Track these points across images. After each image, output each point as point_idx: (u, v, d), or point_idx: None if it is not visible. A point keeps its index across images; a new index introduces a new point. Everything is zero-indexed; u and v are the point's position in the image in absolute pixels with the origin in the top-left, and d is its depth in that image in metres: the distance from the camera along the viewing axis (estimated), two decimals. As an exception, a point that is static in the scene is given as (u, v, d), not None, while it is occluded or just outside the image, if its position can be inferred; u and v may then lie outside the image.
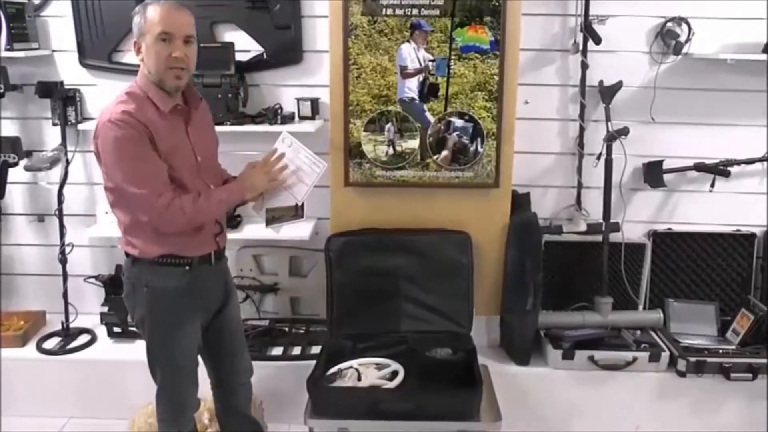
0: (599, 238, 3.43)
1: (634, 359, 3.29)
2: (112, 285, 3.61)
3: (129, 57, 3.48)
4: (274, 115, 3.32)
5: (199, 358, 2.68)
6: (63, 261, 3.50)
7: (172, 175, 2.38)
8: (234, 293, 2.81)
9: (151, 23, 2.31)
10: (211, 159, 2.64)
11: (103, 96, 3.38)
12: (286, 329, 3.61)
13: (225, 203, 2.51)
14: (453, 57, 3.14)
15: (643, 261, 3.57)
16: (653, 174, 3.55)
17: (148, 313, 2.50)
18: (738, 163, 3.51)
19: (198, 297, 2.56)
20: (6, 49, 3.27)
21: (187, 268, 2.49)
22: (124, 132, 2.27)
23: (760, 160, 3.52)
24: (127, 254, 2.51)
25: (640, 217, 3.66)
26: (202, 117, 2.59)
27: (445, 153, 3.26)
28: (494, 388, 3.05)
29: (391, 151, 3.26)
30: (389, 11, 3.10)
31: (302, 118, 3.41)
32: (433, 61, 3.15)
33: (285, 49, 3.43)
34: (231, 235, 2.72)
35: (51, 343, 3.55)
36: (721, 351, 3.35)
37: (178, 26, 2.35)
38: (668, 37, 3.38)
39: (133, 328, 3.51)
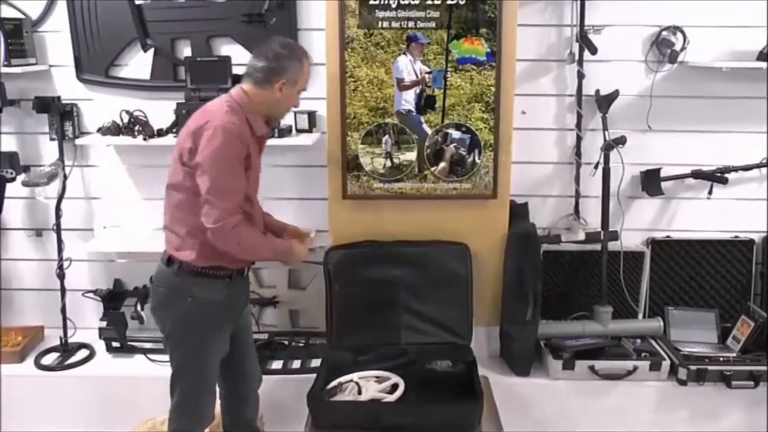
0: (598, 246, 3.43)
1: (635, 368, 3.28)
2: (110, 299, 3.61)
3: (126, 71, 3.49)
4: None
5: None
6: (61, 276, 3.48)
7: (246, 192, 2.52)
8: (248, 302, 2.90)
9: (303, 78, 2.59)
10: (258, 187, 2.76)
11: (101, 110, 3.43)
12: (286, 342, 3.59)
13: (271, 254, 2.61)
14: (449, 69, 3.15)
15: (642, 269, 3.57)
16: (651, 182, 3.56)
17: (187, 323, 2.54)
18: (735, 169, 3.52)
19: (231, 308, 2.66)
20: (4, 65, 3.26)
21: (228, 279, 2.58)
22: (233, 143, 2.41)
23: (758, 166, 3.53)
24: (169, 261, 2.54)
25: (638, 225, 3.66)
26: (264, 146, 2.74)
27: (442, 164, 3.27)
28: (495, 400, 3.06)
29: (388, 163, 3.27)
30: (385, 24, 3.11)
31: (299, 131, 3.41)
32: (429, 73, 3.16)
33: (282, 62, 3.43)
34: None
35: (49, 359, 3.53)
36: (722, 359, 3.34)
37: None
38: (663, 46, 3.40)
39: (132, 343, 3.51)
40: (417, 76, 3.17)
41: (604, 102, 3.41)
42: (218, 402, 2.83)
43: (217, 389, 2.79)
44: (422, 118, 3.21)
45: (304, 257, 2.71)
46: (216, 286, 2.55)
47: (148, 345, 3.52)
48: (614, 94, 3.39)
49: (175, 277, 2.54)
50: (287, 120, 3.39)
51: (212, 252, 2.47)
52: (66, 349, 3.57)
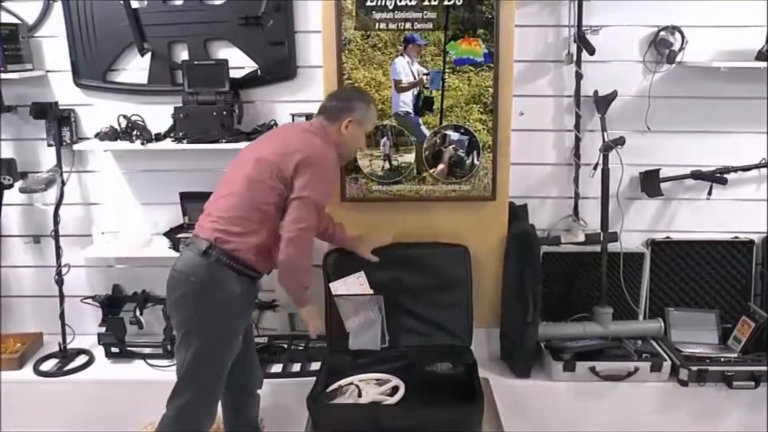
0: (598, 248, 3.42)
1: (636, 369, 3.27)
2: (109, 305, 3.61)
3: (123, 76, 3.49)
4: (269, 131, 3.32)
5: None
6: (59, 282, 3.47)
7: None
8: None
9: (371, 121, 2.91)
10: None
11: (98, 115, 3.42)
12: (285, 346, 3.58)
13: (305, 286, 2.78)
14: (447, 70, 3.15)
15: (642, 270, 3.56)
16: (650, 183, 3.55)
17: (216, 317, 2.58)
18: (735, 170, 3.52)
19: (249, 306, 2.83)
20: (0, 71, 3.26)
21: (253, 279, 2.69)
22: (335, 172, 2.81)
23: (757, 167, 3.53)
24: (205, 253, 2.56)
25: (638, 227, 3.66)
26: None
27: (441, 166, 3.26)
28: (496, 401, 3.04)
29: (387, 165, 3.26)
30: (382, 25, 3.11)
31: (297, 133, 3.40)
32: (427, 74, 3.16)
33: (279, 65, 3.43)
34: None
35: (48, 365, 3.52)
36: (722, 359, 3.33)
37: None
38: (661, 46, 3.40)
39: (131, 348, 3.50)
40: (414, 78, 3.17)
41: (603, 103, 3.41)
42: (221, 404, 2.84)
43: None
44: (420, 120, 3.21)
45: (310, 322, 2.86)
46: (243, 283, 2.63)
47: (147, 350, 3.51)
48: (612, 95, 3.39)
49: (209, 267, 2.56)
50: (285, 123, 3.40)
51: (264, 253, 2.63)
52: (65, 355, 3.55)
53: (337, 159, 2.77)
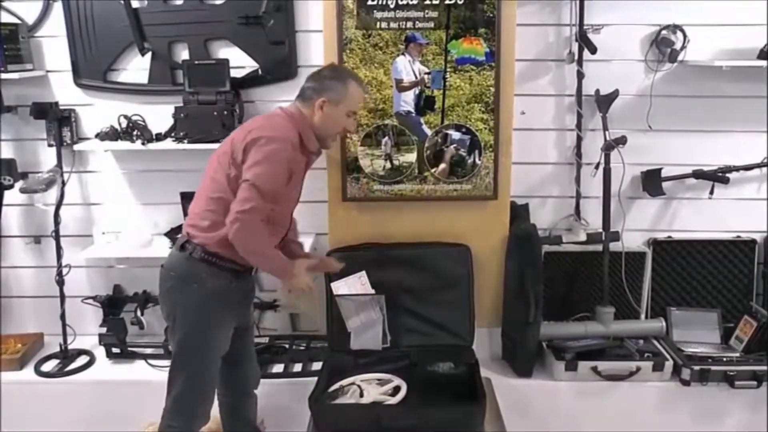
0: (599, 247, 3.42)
1: (638, 369, 3.26)
2: (110, 305, 3.60)
3: (124, 76, 3.48)
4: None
5: None
6: (60, 282, 3.46)
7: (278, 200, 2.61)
8: (252, 304, 3.02)
9: (351, 100, 2.72)
10: (297, 202, 2.85)
11: (99, 116, 3.41)
12: (287, 346, 3.58)
13: (273, 265, 2.66)
14: (448, 69, 3.15)
15: (643, 270, 3.56)
16: (652, 182, 3.55)
17: (193, 310, 2.61)
18: (736, 169, 3.51)
19: (235, 301, 2.73)
20: (0, 71, 3.25)
21: (235, 273, 2.66)
22: (287, 150, 2.56)
23: (759, 166, 3.52)
24: (182, 247, 2.63)
25: (639, 226, 3.65)
26: (312, 164, 2.84)
27: (442, 166, 3.26)
28: (497, 401, 3.03)
29: (388, 165, 3.26)
30: (384, 24, 3.10)
31: (298, 133, 3.39)
32: (428, 73, 3.15)
33: (280, 64, 3.42)
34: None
35: (49, 366, 3.51)
36: (725, 359, 3.32)
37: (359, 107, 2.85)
38: (663, 45, 3.39)
39: (132, 349, 3.50)
40: (416, 77, 3.16)
41: (604, 102, 3.40)
42: (218, 404, 2.84)
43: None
44: (422, 119, 3.21)
45: (301, 285, 2.70)
46: (223, 277, 2.63)
47: (148, 350, 3.51)
48: (614, 94, 3.38)
49: (186, 262, 2.62)
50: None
51: (231, 245, 2.54)
52: (66, 355, 3.55)
53: (298, 141, 2.62)
